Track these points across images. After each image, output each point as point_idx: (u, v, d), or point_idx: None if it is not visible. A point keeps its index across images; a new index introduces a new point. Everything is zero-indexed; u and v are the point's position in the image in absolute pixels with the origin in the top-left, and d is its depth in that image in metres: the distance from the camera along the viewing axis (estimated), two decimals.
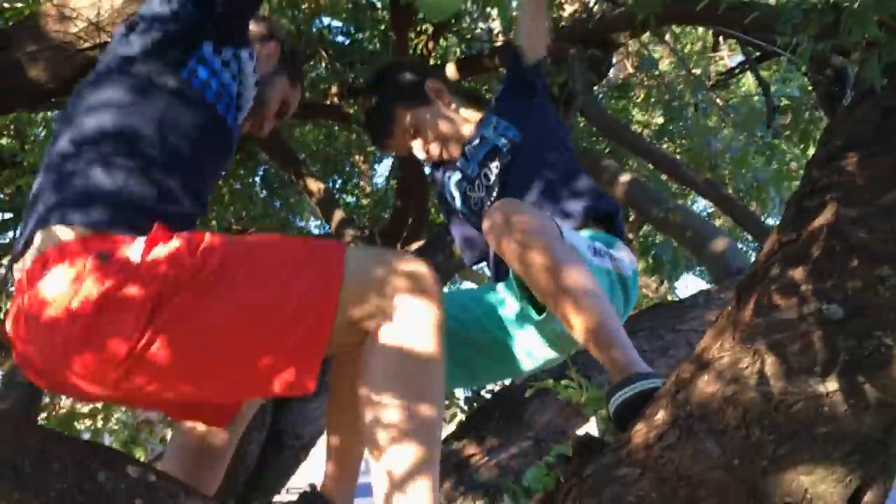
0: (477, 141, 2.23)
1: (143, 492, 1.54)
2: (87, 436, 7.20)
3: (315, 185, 4.41)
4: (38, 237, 1.51)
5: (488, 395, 3.04)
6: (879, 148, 1.03)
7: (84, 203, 1.50)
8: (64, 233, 1.48)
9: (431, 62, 4.31)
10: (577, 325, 1.59)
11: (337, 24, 4.73)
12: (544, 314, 1.80)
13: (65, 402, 6.71)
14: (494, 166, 2.17)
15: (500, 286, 2.14)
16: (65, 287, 1.41)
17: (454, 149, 2.25)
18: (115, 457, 1.64)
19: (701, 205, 7.70)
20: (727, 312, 1.24)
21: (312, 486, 1.73)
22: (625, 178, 3.39)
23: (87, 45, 2.18)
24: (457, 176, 2.27)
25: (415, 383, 1.40)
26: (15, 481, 1.54)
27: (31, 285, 1.47)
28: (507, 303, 2.09)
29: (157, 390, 1.47)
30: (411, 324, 1.42)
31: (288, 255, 1.48)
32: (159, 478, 1.67)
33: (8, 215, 3.99)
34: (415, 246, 4.13)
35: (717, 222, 7.02)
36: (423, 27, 3.98)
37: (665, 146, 3.80)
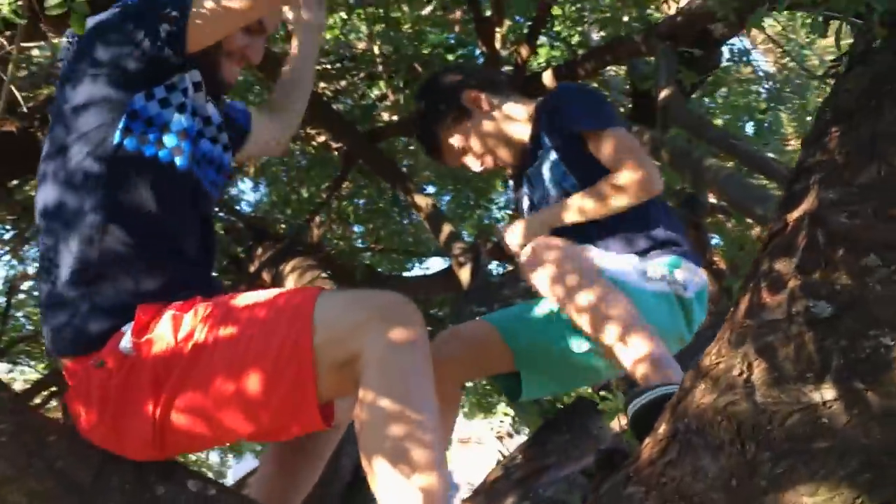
0: (533, 169, 2.11)
1: None
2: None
3: (423, 201, 4.42)
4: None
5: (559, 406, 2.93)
6: (860, 118, 0.88)
7: (72, 332, 1.56)
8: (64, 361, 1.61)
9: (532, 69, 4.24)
10: (623, 355, 1.58)
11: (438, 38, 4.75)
12: None
13: None
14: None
15: None
16: (82, 406, 1.55)
17: (507, 154, 2.15)
18: (175, 470, 1.66)
19: None
20: (730, 313, 1.10)
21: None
22: (724, 174, 3.17)
23: None
24: (526, 203, 2.18)
25: (408, 402, 1.38)
26: (75, 495, 1.58)
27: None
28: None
29: (198, 446, 1.59)
30: (393, 353, 1.42)
31: (260, 313, 1.51)
32: (219, 492, 1.67)
33: None
34: None
35: None
36: (516, 38, 3.92)
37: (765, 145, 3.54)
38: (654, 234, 1.97)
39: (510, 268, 4.31)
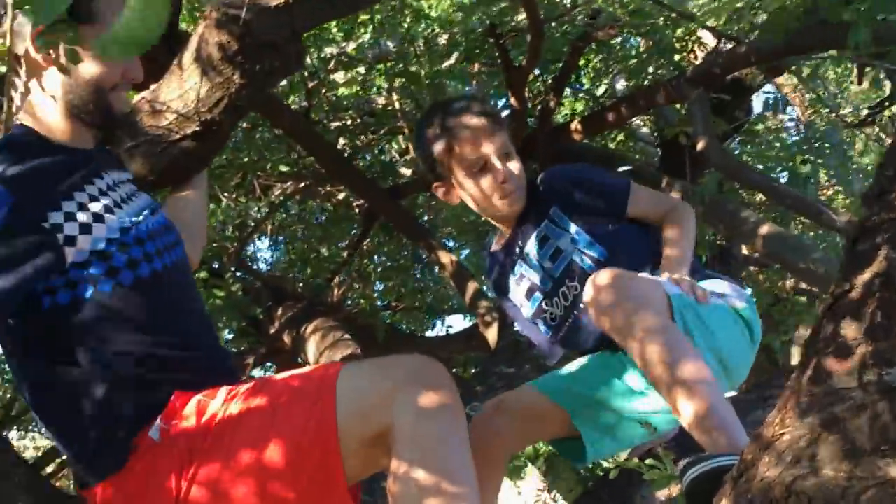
0: (535, 241, 2.08)
1: None
2: None
3: (447, 258, 4.40)
4: None
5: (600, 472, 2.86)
6: None
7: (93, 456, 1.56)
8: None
9: (556, 121, 4.25)
10: (685, 412, 1.53)
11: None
12: None
13: None
14: (575, 286, 2.02)
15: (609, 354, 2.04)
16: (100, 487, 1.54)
17: (519, 202, 2.07)
18: None
19: None
20: (792, 381, 1.07)
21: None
22: (764, 230, 3.15)
23: (177, 136, 2.27)
24: (525, 285, 2.13)
25: (443, 472, 1.34)
26: None
27: None
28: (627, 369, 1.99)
29: None
30: (425, 420, 1.38)
31: (281, 397, 1.50)
32: None
33: None
34: None
35: None
36: (541, 88, 3.95)
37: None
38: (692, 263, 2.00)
39: None
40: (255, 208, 5.21)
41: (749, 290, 4.94)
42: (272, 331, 4.77)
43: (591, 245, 2.00)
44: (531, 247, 2.08)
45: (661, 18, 3.20)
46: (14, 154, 1.54)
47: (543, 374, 2.13)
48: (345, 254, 5.29)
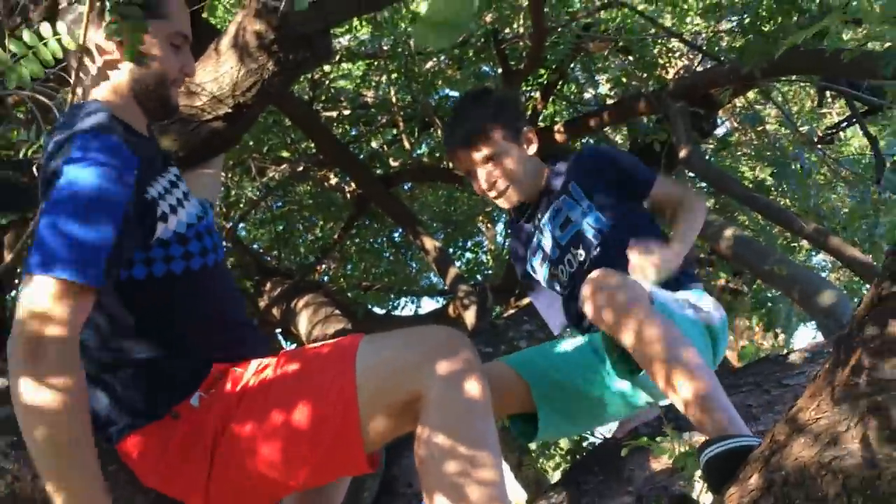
0: (550, 212, 2.15)
1: None
2: None
3: (430, 244, 4.40)
4: None
5: (590, 446, 2.90)
6: None
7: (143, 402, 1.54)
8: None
9: (540, 124, 4.27)
10: (685, 392, 1.54)
11: (453, 93, 4.79)
12: (642, 373, 1.74)
13: None
14: (580, 253, 2.08)
15: (582, 339, 2.07)
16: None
17: (516, 195, 2.15)
18: None
19: (819, 259, 7.23)
20: (825, 370, 1.10)
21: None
22: (729, 232, 3.21)
23: (209, 117, 2.24)
24: (540, 253, 2.19)
25: (468, 439, 1.34)
26: None
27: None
28: (595, 354, 2.01)
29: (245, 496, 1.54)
30: (453, 391, 1.38)
31: (307, 366, 1.51)
32: None
33: None
34: (525, 301, 4.05)
35: (833, 277, 6.58)
36: (533, 91, 3.96)
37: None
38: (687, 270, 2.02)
39: (511, 311, 4.30)
40: (250, 188, 5.16)
41: None
42: (263, 304, 4.73)
43: (598, 218, 2.08)
44: (546, 218, 2.16)
45: (650, 35, 3.23)
46: (119, 124, 1.52)
47: None
48: (336, 235, 5.25)
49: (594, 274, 1.71)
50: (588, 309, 1.70)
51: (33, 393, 1.29)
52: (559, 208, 2.14)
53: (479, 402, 1.38)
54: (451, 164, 2.25)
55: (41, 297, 1.31)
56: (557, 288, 2.20)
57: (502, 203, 2.18)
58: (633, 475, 2.04)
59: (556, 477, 4.57)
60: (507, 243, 2.45)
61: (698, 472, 1.40)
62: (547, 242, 2.16)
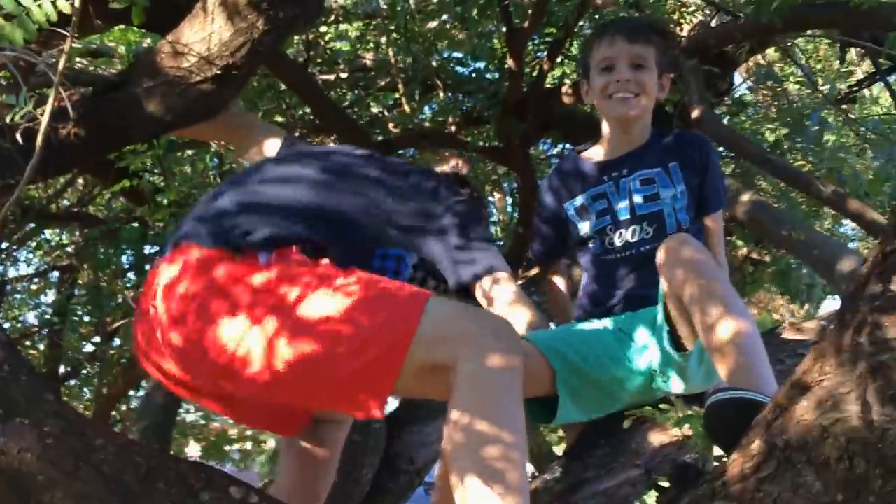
0: (641, 178, 2.17)
1: None
2: (237, 457, 7.49)
3: None
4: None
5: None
6: None
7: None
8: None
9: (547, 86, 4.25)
10: (737, 340, 1.61)
11: (456, 54, 4.76)
12: (685, 353, 1.86)
13: (215, 424, 7.00)
14: (649, 230, 2.14)
15: (611, 322, 2.13)
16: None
17: (639, 108, 2.12)
18: (219, 477, 1.67)
19: (846, 228, 7.19)
20: (830, 332, 1.11)
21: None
22: (745, 197, 3.21)
23: (197, 79, 2.24)
24: (601, 204, 2.18)
25: (496, 417, 1.39)
26: (121, 497, 1.58)
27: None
28: (625, 340, 2.07)
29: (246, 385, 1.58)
30: (491, 372, 1.43)
31: (377, 291, 1.55)
32: (261, 499, 1.68)
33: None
34: (534, 272, 4.06)
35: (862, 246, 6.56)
36: (539, 52, 3.94)
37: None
38: None
39: (520, 282, 4.30)
40: None
41: None
42: None
43: (685, 210, 2.13)
44: (632, 180, 2.16)
45: None
46: None
47: None
48: None
49: (674, 238, 1.84)
50: (664, 266, 1.81)
51: None
52: (652, 179, 2.15)
53: (514, 390, 1.44)
54: (584, 54, 2.24)
55: None
56: (591, 245, 2.21)
57: (619, 108, 2.12)
58: (640, 447, 2.06)
59: (560, 449, 4.62)
60: (544, 180, 2.44)
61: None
62: (622, 203, 2.16)
